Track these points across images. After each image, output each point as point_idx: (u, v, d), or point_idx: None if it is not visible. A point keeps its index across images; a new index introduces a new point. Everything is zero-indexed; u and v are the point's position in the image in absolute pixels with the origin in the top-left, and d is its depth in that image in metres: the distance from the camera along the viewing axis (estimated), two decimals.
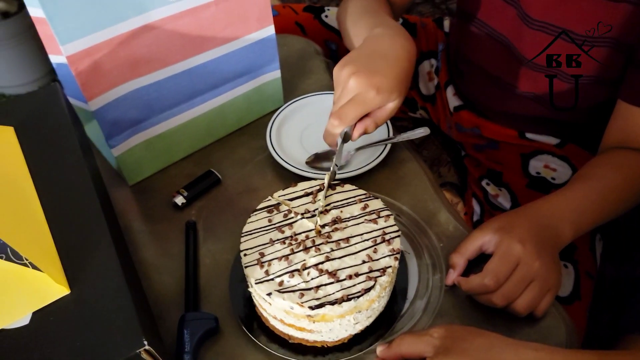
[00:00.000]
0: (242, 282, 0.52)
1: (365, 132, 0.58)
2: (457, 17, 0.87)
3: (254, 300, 0.51)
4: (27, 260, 0.40)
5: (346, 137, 0.57)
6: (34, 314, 0.39)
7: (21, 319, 0.39)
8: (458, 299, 0.54)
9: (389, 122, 0.70)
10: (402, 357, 0.45)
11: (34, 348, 0.37)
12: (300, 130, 0.71)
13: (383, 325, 0.51)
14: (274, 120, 0.70)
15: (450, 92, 0.97)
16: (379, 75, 0.56)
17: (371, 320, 0.50)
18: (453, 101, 0.96)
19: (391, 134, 0.69)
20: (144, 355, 0.37)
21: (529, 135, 0.88)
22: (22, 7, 1.66)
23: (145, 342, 0.37)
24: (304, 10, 0.98)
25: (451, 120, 0.98)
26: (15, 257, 0.41)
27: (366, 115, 0.58)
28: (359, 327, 0.49)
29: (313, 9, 0.99)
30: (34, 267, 0.40)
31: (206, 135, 0.70)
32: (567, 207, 0.59)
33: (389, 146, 0.67)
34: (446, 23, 1.05)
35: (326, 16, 0.98)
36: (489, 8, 0.77)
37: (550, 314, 0.53)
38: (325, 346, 0.50)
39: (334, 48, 0.97)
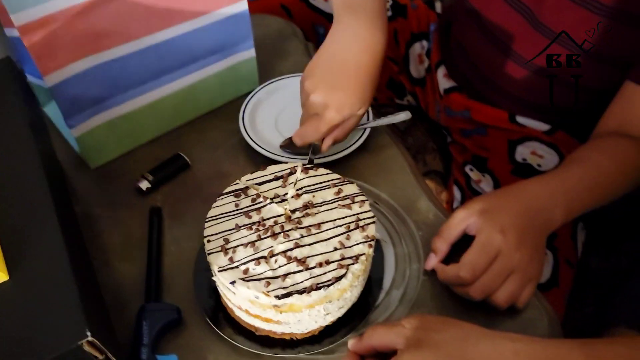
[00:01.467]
0: (208, 271, 0.49)
1: (335, 142, 0.58)
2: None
3: (219, 290, 0.47)
4: None
5: (315, 149, 0.58)
6: None
7: None
8: (436, 290, 0.51)
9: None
10: (374, 350, 0.42)
11: None
12: (276, 113, 0.67)
13: (356, 317, 0.48)
14: (247, 102, 0.67)
15: (441, 73, 0.94)
16: (338, 92, 0.55)
17: (343, 311, 0.47)
18: (444, 83, 0.94)
19: (371, 118, 0.66)
20: (86, 347, 0.33)
21: (519, 119, 0.85)
22: None
23: (89, 333, 0.33)
24: None
25: (440, 104, 0.96)
26: None
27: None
28: (330, 319, 0.46)
29: None
30: None
31: (175, 117, 0.66)
32: (561, 189, 0.56)
33: (367, 131, 0.64)
34: (437, 4, 1.02)
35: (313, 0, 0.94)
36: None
37: (532, 305, 0.50)
38: (295, 339, 0.47)
39: (322, 32, 0.93)
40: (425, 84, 0.99)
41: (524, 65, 0.77)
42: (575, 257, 0.75)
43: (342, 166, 0.61)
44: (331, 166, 0.59)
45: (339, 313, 0.47)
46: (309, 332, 0.47)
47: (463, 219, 0.52)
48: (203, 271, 0.51)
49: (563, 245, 0.75)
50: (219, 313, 0.49)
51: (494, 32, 0.79)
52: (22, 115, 0.48)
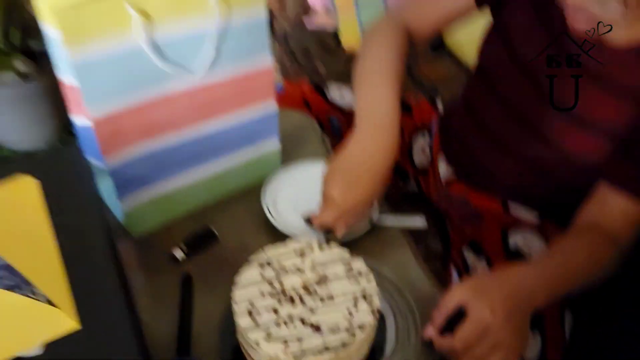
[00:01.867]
0: (231, 333, 0.56)
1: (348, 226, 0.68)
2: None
3: (242, 348, 0.55)
4: (44, 296, 0.45)
5: (328, 232, 0.68)
6: (48, 345, 0.43)
7: (35, 348, 0.43)
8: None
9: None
10: None
11: None
12: (294, 194, 0.77)
13: None
14: (269, 184, 0.77)
15: (442, 163, 1.05)
16: (353, 191, 0.66)
17: None
18: (444, 172, 1.04)
19: (377, 207, 0.75)
20: None
21: (512, 209, 0.95)
22: (40, 71, 1.78)
23: None
24: (311, 89, 1.08)
25: (441, 191, 1.06)
26: (34, 293, 0.45)
27: None
28: None
29: (318, 88, 1.09)
30: (50, 303, 0.45)
31: (207, 196, 0.76)
32: (543, 276, 0.66)
33: (376, 216, 0.73)
34: (439, 102, 1.15)
35: (329, 95, 1.07)
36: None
37: None
38: None
39: (336, 124, 1.05)
40: (427, 173, 1.09)
41: (515, 161, 0.88)
42: (562, 340, 0.82)
43: (351, 243, 0.70)
44: (342, 242, 0.68)
45: None
46: None
47: (457, 296, 0.60)
48: (227, 333, 0.58)
49: (551, 327, 0.81)
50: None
51: (489, 129, 0.90)
52: (92, 191, 0.58)
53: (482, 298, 0.59)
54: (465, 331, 0.57)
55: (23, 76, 1.75)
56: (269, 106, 0.75)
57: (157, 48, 0.61)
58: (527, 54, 0.80)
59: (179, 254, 0.68)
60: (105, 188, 0.72)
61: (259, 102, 0.73)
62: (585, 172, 0.81)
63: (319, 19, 1.70)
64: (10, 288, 0.46)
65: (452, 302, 0.60)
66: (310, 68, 1.60)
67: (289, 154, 0.85)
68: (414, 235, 1.08)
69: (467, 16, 0.88)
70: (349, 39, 1.59)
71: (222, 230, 0.72)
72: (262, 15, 0.67)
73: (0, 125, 1.76)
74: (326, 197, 0.66)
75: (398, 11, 0.89)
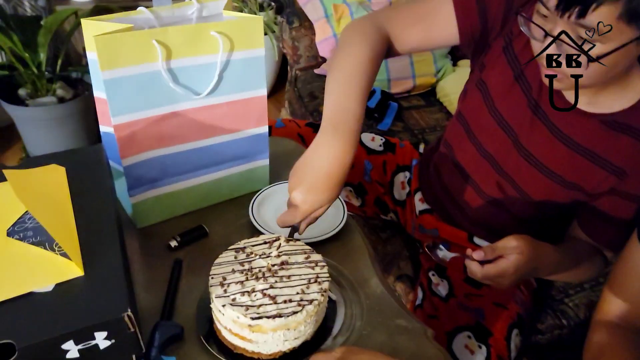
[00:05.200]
0: (208, 309, 0.68)
1: (308, 225, 0.78)
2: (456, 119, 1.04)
3: (213, 315, 0.67)
4: (61, 250, 0.59)
5: (294, 228, 0.77)
6: (57, 285, 0.56)
7: (47, 286, 0.56)
8: (371, 343, 0.69)
9: (344, 207, 0.89)
10: None
11: (54, 307, 0.54)
12: (277, 206, 0.90)
13: (308, 351, 0.66)
14: (257, 196, 0.90)
15: (417, 198, 1.17)
16: (312, 192, 0.73)
17: (298, 342, 0.65)
18: (419, 206, 1.16)
19: (345, 216, 0.87)
20: (126, 319, 0.53)
21: (476, 239, 1.06)
22: (75, 94, 1.99)
23: (129, 310, 0.53)
24: (306, 125, 1.23)
25: (415, 222, 1.17)
26: (53, 247, 0.59)
27: None
28: (287, 345, 0.65)
29: (313, 125, 1.24)
30: (64, 256, 0.58)
31: (203, 200, 0.90)
32: (556, 261, 0.85)
33: (342, 224, 0.86)
34: (422, 146, 1.29)
35: None
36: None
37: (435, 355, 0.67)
38: (261, 358, 0.65)
39: None
40: (405, 206, 1.22)
41: (482, 195, 1.00)
42: (507, 356, 0.91)
43: (318, 248, 0.82)
44: (310, 246, 0.80)
45: (295, 342, 0.65)
46: (271, 354, 0.65)
47: (513, 242, 0.78)
48: (204, 307, 0.71)
49: (497, 343, 0.91)
50: (210, 334, 0.68)
51: (463, 168, 1.02)
52: (107, 181, 0.72)
53: (519, 258, 0.77)
54: (493, 269, 0.78)
55: (61, 99, 1.96)
56: (261, 129, 0.89)
57: (172, 73, 0.77)
58: (503, 108, 0.92)
59: (173, 243, 0.81)
60: (119, 186, 0.86)
61: (253, 124, 0.88)
62: (539, 207, 0.93)
63: (326, 66, 1.88)
64: (37, 244, 0.61)
65: (506, 249, 0.78)
66: (314, 109, 1.75)
67: (279, 173, 0.99)
68: (389, 257, 1.20)
69: (446, 47, 1.00)
70: None
71: (213, 228, 0.86)
72: (260, 54, 0.83)
73: (38, 139, 1.96)
74: (290, 197, 0.77)
75: (384, 18, 0.93)
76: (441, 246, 0.83)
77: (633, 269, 0.74)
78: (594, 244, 0.89)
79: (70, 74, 2.12)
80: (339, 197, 0.92)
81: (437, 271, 1.05)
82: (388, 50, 0.92)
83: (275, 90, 2.71)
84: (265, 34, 2.37)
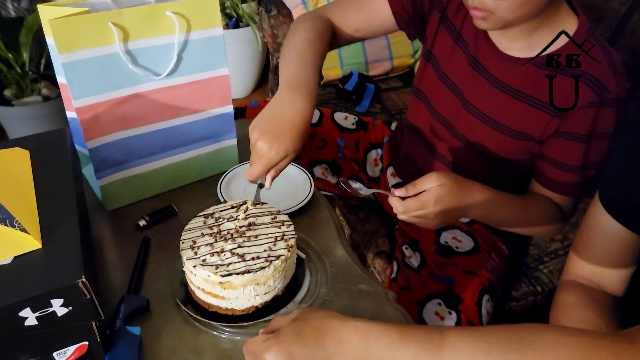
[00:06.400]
0: (178, 272, 0.70)
1: (273, 179, 0.79)
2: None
3: (187, 278, 0.68)
4: (21, 226, 0.60)
5: (260, 185, 0.79)
6: (15, 257, 0.58)
7: (6, 260, 0.58)
8: (332, 308, 0.70)
9: (312, 180, 0.91)
10: (272, 332, 0.61)
11: (11, 277, 0.56)
12: (245, 185, 0.91)
13: (280, 306, 0.68)
14: (226, 175, 0.92)
15: (389, 172, 1.19)
16: (278, 140, 0.75)
17: (268, 297, 0.67)
18: (391, 180, 1.18)
19: (312, 186, 0.89)
20: (80, 285, 0.55)
21: None
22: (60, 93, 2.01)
23: (83, 277, 0.55)
24: None
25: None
26: (13, 224, 0.61)
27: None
28: (259, 300, 0.66)
29: None
30: (23, 231, 0.60)
31: (172, 181, 0.91)
32: (489, 200, 0.81)
33: (309, 197, 0.87)
34: (394, 124, 1.30)
35: None
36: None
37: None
38: (234, 315, 0.66)
39: None
40: (379, 182, 1.23)
41: (443, 160, 1.02)
42: (478, 322, 0.93)
43: (289, 216, 0.83)
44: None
45: (266, 297, 0.66)
46: (244, 310, 0.66)
47: (431, 182, 0.75)
48: (176, 274, 0.72)
49: (467, 309, 0.93)
50: (187, 301, 0.69)
51: (424, 137, 1.05)
52: (68, 163, 0.74)
53: (440, 189, 0.75)
54: (413, 202, 0.75)
55: (45, 98, 1.98)
56: (226, 108, 0.91)
57: (130, 55, 0.78)
58: (449, 70, 0.96)
59: (142, 222, 0.83)
60: (89, 171, 0.88)
61: (217, 104, 0.89)
62: (498, 166, 0.94)
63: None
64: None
65: (426, 183, 0.75)
66: None
67: (247, 153, 1.00)
68: (368, 236, 1.21)
69: (391, 33, 1.03)
70: (330, 72, 1.77)
71: (182, 208, 0.87)
72: (218, 33, 0.84)
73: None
74: (253, 150, 0.76)
75: (325, 9, 1.01)
76: (356, 181, 0.81)
77: (595, 229, 0.75)
78: (550, 194, 0.89)
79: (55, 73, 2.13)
80: (306, 172, 0.93)
81: (410, 245, 1.07)
82: (334, 37, 0.99)
83: (263, 82, 2.71)
84: (248, 25, 2.38)
